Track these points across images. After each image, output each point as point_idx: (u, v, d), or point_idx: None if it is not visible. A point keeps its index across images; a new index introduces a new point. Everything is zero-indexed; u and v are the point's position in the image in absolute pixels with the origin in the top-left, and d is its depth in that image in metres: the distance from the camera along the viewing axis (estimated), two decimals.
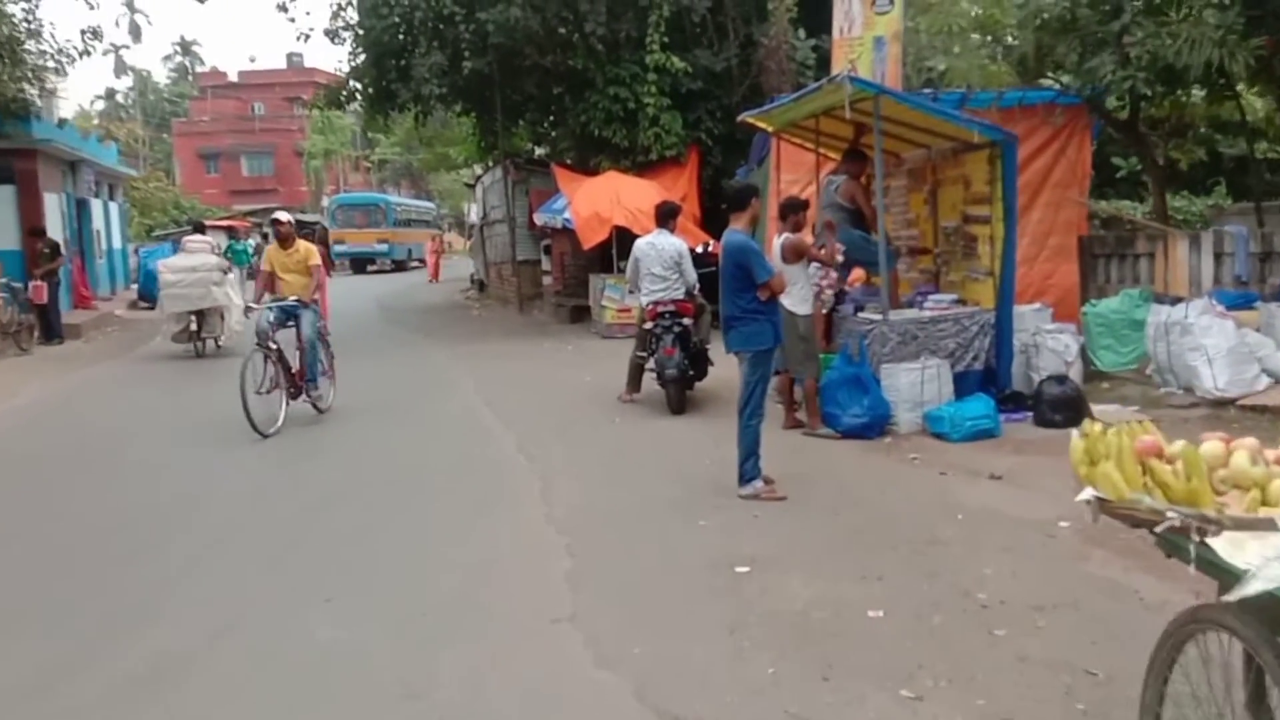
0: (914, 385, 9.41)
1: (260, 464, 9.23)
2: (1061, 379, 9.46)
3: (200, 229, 20.54)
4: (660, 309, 10.45)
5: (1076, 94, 12.05)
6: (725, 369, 11.15)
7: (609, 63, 19.33)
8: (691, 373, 10.57)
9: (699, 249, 12.13)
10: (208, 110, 75.69)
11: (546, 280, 22.97)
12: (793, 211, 9.41)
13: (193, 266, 16.81)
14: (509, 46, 19.54)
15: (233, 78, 79.32)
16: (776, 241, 9.45)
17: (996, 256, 9.99)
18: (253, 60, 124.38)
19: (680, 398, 10.38)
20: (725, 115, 19.97)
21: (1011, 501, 7.15)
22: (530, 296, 23.28)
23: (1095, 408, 9.49)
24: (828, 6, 21.24)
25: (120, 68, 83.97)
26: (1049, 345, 10.15)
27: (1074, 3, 10.78)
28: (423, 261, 45.40)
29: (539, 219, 20.16)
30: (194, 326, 16.73)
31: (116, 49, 76.32)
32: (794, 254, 9.18)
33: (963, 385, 9.66)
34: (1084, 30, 10.86)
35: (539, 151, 25.14)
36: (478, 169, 31.60)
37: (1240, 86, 11.99)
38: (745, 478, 7.30)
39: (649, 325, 10.53)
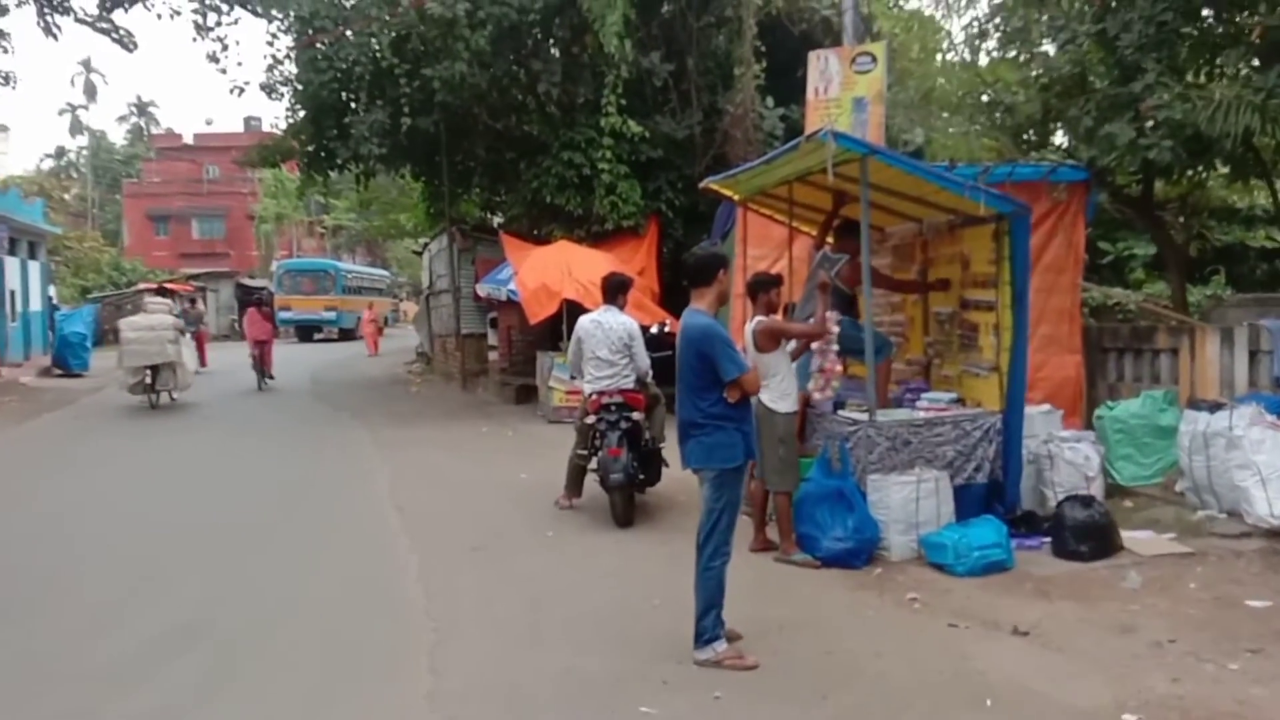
0: (908, 502, 7.80)
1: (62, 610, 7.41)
2: (1087, 500, 7.86)
3: (162, 292, 23.46)
4: (605, 400, 8.81)
5: (1084, 166, 10.63)
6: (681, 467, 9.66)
7: (563, 126, 17.87)
8: (641, 477, 8.90)
9: (655, 328, 10.53)
10: (161, 172, 73.93)
11: (493, 355, 21.29)
12: (763, 290, 7.83)
13: (151, 325, 17.95)
14: (456, 106, 18.09)
15: (188, 140, 77.71)
16: (748, 327, 7.88)
17: (1004, 349, 8.45)
18: (209, 123, 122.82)
19: (628, 508, 8.70)
20: (687, 186, 18.58)
21: (1050, 674, 5.49)
22: (474, 373, 21.59)
23: (1125, 534, 7.94)
24: (796, 74, 20.12)
25: (76, 127, 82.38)
26: (1066, 456, 8.58)
27: (1088, 60, 9.36)
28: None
29: (481, 290, 18.54)
30: (149, 380, 17.91)
31: (73, 108, 74.62)
32: (770, 340, 7.60)
33: (963, 502, 8.09)
34: (1099, 91, 9.44)
35: (490, 219, 23.60)
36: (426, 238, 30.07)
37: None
38: (703, 637, 5.60)
39: (591, 419, 8.87)
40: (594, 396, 8.86)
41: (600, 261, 16.46)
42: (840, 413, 8.52)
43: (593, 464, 9.18)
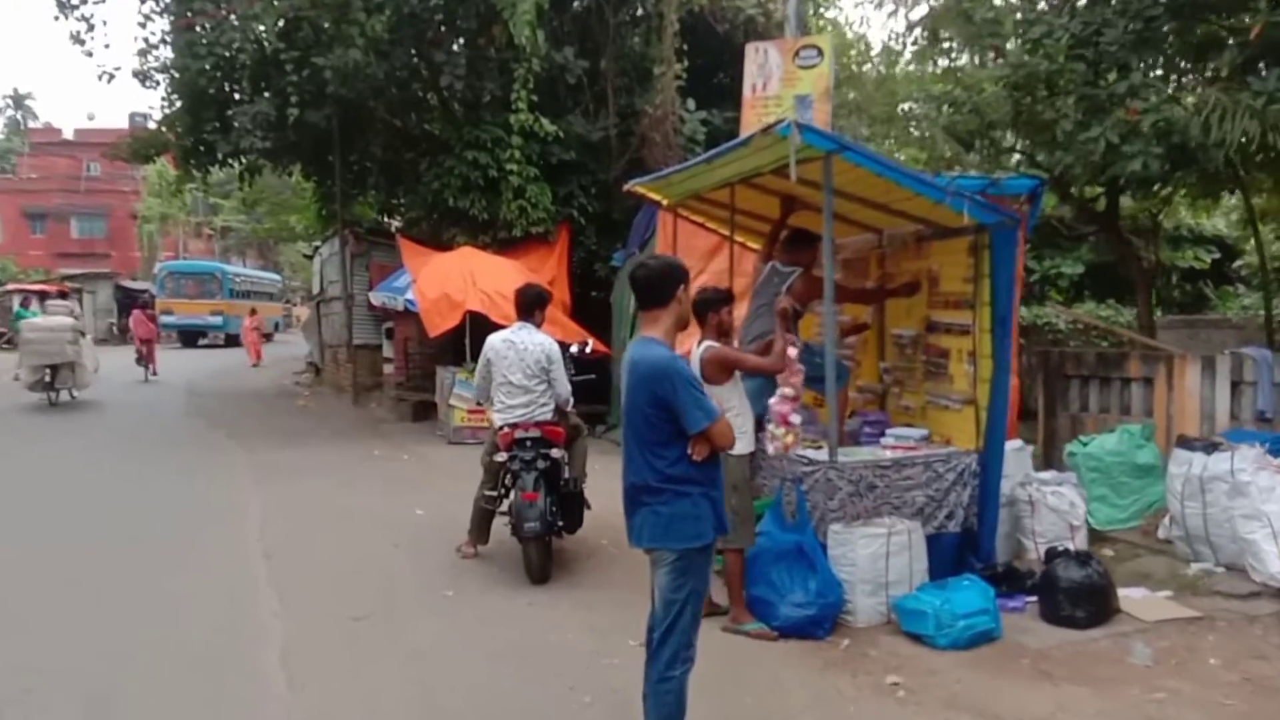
0: (877, 559, 6.67)
1: None
2: (1083, 558, 6.77)
3: (63, 295, 25.54)
4: (519, 434, 7.48)
5: (1047, 175, 9.63)
6: (606, 501, 8.38)
7: (468, 124, 16.48)
8: (561, 524, 7.60)
9: (575, 348, 9.21)
10: (38, 167, 70.23)
11: (388, 368, 19.74)
12: (711, 308, 6.60)
13: (51, 326, 18.72)
14: (350, 99, 16.56)
15: (68, 135, 74.04)
16: (694, 353, 6.65)
17: (982, 380, 7.37)
18: (91, 118, 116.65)
19: (544, 561, 7.38)
20: (601, 191, 17.43)
21: None
22: (367, 387, 20.01)
23: (1119, 593, 6.89)
24: (717, 78, 19.15)
25: None
26: (1049, 502, 7.52)
27: (1066, 59, 8.34)
28: (265, 336, 41.54)
29: (376, 298, 17.00)
30: (48, 378, 18.48)
31: None
32: (721, 371, 6.40)
33: (933, 555, 7.02)
34: (1077, 92, 8.41)
35: (387, 223, 22.02)
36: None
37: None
38: None
39: (502, 456, 7.53)
40: (505, 429, 7.53)
41: (508, 270, 15.17)
42: (794, 450, 7.32)
43: (502, 506, 7.86)
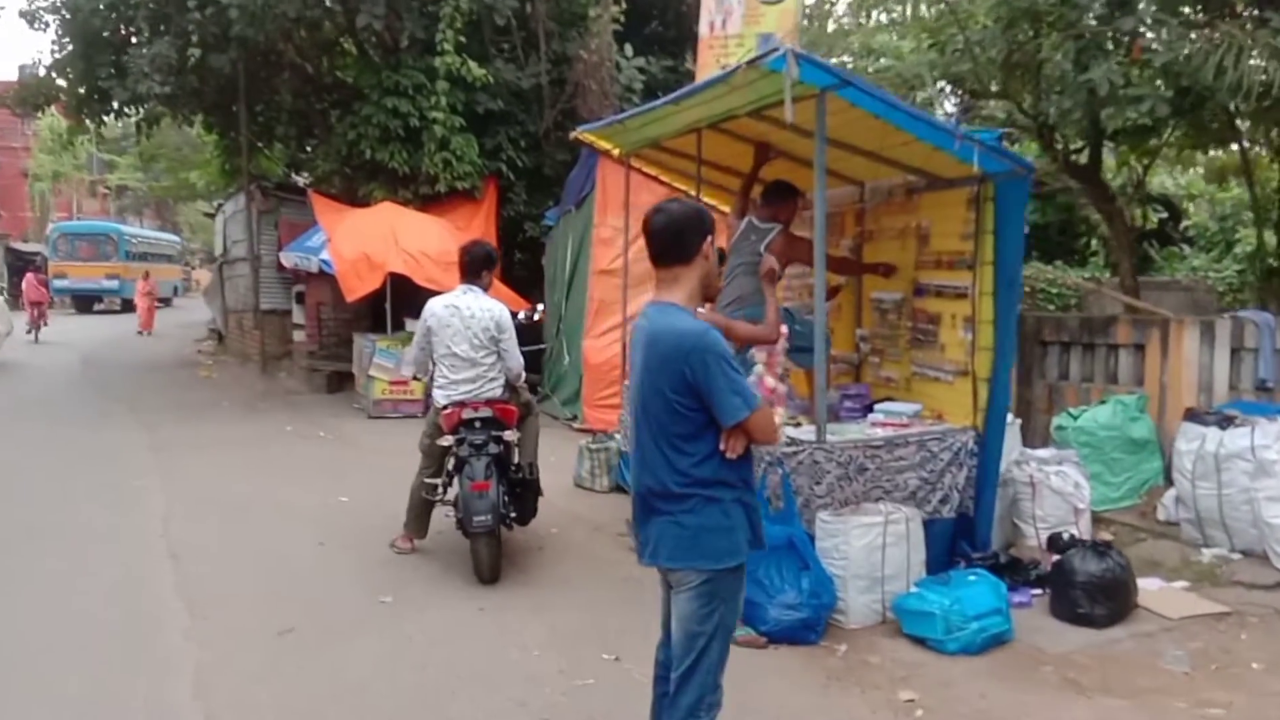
0: (872, 551, 5.92)
1: None
2: (1102, 548, 6.05)
3: None
4: (468, 414, 6.54)
5: (998, 131, 8.85)
6: (549, 482, 7.58)
7: (388, 69, 15.28)
8: (513, 515, 6.68)
9: (523, 316, 8.30)
10: None
11: (299, 335, 18.48)
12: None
13: None
14: (258, 42, 15.24)
15: None
16: None
17: (982, 348, 6.61)
18: None
19: (495, 558, 6.46)
20: (531, 144, 16.40)
21: None
22: (276, 356, 18.72)
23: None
24: (655, 24, 18.13)
25: None
26: (1052, 484, 6.80)
27: None
28: (164, 301, 39.64)
29: (287, 259, 15.78)
30: None
31: None
32: None
33: (926, 544, 6.23)
34: (1078, 29, 7.64)
35: (297, 178, 20.65)
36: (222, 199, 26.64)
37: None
38: None
39: (448, 440, 6.57)
40: (450, 408, 6.57)
41: (432, 228, 14.18)
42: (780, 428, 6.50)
43: (443, 493, 6.93)
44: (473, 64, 14.54)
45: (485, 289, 6.89)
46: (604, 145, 9.18)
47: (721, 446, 3.27)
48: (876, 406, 6.89)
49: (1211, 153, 11.71)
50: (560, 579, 6.65)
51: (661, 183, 9.81)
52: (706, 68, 10.94)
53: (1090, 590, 5.85)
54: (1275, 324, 7.89)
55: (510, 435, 6.60)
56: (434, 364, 6.98)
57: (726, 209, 8.41)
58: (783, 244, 6.89)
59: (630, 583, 6.53)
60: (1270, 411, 7.18)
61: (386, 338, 14.04)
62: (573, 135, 9.36)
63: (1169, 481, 7.98)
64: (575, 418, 12.78)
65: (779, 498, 6.09)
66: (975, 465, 6.61)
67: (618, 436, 9.44)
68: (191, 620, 5.88)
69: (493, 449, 6.34)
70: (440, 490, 6.85)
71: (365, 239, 13.55)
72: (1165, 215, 17.15)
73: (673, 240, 3.39)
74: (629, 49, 16.08)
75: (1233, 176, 14.15)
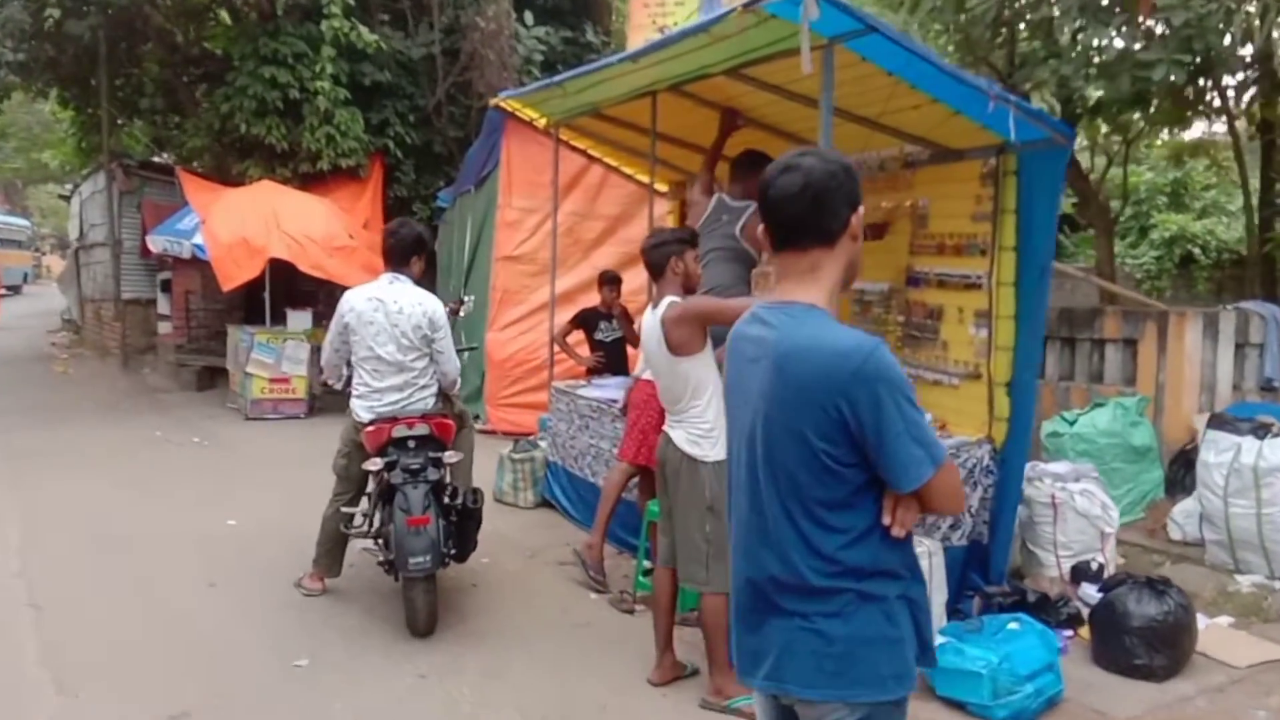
0: None
1: None
2: (1160, 585, 5.17)
3: None
4: (399, 432, 5.33)
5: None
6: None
7: (265, 35, 13.77)
8: (452, 552, 5.49)
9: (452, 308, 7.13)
10: None
11: (164, 327, 16.78)
12: (674, 252, 4.78)
13: None
14: (121, 6, 13.60)
15: None
16: (649, 315, 4.75)
17: (1000, 348, 5.72)
18: None
19: (432, 607, 5.25)
20: (421, 120, 15.07)
21: None
22: (140, 350, 16.99)
23: None
24: None
25: None
26: (1076, 505, 5.92)
27: None
28: (12, 289, 36.79)
29: (155, 243, 14.11)
30: None
31: None
32: (694, 332, 4.59)
33: None
34: None
35: (162, 156, 18.85)
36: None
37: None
38: None
39: (376, 464, 5.37)
40: (375, 424, 5.36)
41: (318, 210, 12.84)
42: None
43: (361, 527, 5.72)
44: (363, 29, 13.15)
45: (415, 279, 5.70)
46: (529, 114, 8.04)
47: (886, 519, 2.20)
48: None
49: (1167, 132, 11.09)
50: (508, 628, 5.52)
51: (591, 157, 8.74)
52: (641, 27, 9.92)
53: (1148, 637, 4.98)
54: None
55: (451, 457, 5.43)
56: (350, 368, 5.78)
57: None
58: (757, 225, 5.87)
59: (589, 631, 5.51)
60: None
61: (266, 330, 12.62)
62: (493, 102, 8.28)
63: (1169, 494, 7.25)
64: (478, 417, 11.60)
65: None
66: (992, 485, 5.72)
67: (542, 444, 8.35)
68: (60, 699, 4.58)
69: (431, 474, 5.16)
70: (362, 522, 5.65)
71: (244, 221, 12.10)
72: (1076, 200, 16.66)
73: (811, 209, 2.27)
74: (529, 16, 14.87)
75: (1189, 157, 13.65)
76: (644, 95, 6.61)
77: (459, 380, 5.87)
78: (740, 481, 2.33)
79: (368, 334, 5.43)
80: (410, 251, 5.62)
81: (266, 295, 12.75)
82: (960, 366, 5.97)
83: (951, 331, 6.05)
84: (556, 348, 8.66)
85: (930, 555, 5.08)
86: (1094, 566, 5.78)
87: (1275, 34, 6.30)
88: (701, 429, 4.58)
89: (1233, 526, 6.08)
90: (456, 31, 14.85)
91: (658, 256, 4.81)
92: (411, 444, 5.26)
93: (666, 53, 5.71)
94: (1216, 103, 8.03)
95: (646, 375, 6.22)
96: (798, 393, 2.14)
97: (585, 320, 8.59)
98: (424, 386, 5.56)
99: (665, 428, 4.79)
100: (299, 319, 12.79)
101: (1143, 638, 4.97)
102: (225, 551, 6.78)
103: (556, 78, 6.98)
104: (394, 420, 5.28)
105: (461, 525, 5.38)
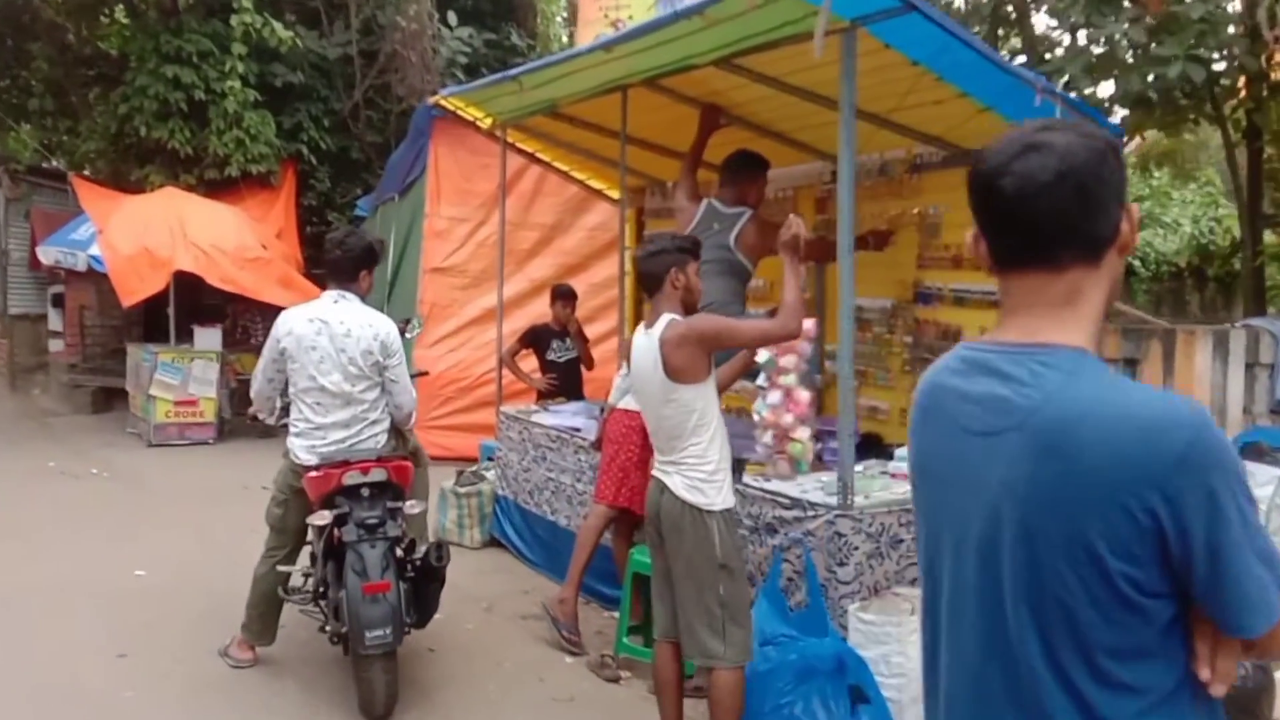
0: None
1: None
2: None
3: None
4: (351, 480, 4.51)
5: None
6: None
7: (167, 32, 12.74)
8: (412, 619, 4.65)
9: (406, 328, 6.29)
10: None
11: (56, 345, 15.55)
12: (673, 265, 4.08)
13: None
14: (6, 2, 12.50)
15: None
16: (645, 337, 4.00)
17: None
18: None
19: (393, 686, 4.41)
20: (336, 124, 14.18)
21: None
22: (28, 369, 15.74)
23: None
24: None
25: None
26: None
27: None
28: None
29: (46, 255, 12.91)
30: None
31: None
32: (698, 354, 3.91)
33: None
34: None
35: (53, 161, 17.56)
36: None
37: None
38: None
39: (324, 517, 4.48)
40: (320, 470, 4.53)
41: (228, 219, 11.90)
42: (772, 490, 4.76)
43: (302, 583, 4.89)
44: (277, 25, 12.22)
45: (363, 296, 4.88)
46: (472, 114, 7.26)
47: (1203, 673, 1.48)
48: (898, 452, 5.25)
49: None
50: (479, 704, 4.74)
51: (541, 162, 8.00)
52: (589, 22, 9.20)
53: (1226, 706, 4.36)
54: None
55: (413, 508, 4.63)
56: (283, 400, 4.96)
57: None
58: (755, 234, 5.22)
59: (575, 710, 4.73)
60: None
61: (170, 349, 11.59)
62: (433, 100, 7.46)
63: None
64: None
65: (802, 586, 4.41)
66: None
67: (489, 475, 7.57)
68: None
69: (390, 530, 4.35)
70: (303, 583, 4.81)
71: (147, 231, 11.10)
72: None
73: (1074, 207, 1.54)
74: (453, 16, 14.07)
75: (1155, 166, 13.35)
76: (613, 90, 5.87)
77: (414, 413, 5.06)
78: (962, 612, 1.60)
79: (309, 361, 4.60)
80: (359, 265, 4.80)
81: (171, 311, 11.73)
82: None
83: None
84: (505, 369, 7.86)
85: None
86: None
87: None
88: (704, 471, 3.87)
89: None
90: (374, 32, 14.00)
91: (655, 267, 4.09)
92: (365, 492, 4.43)
93: (647, 40, 5.00)
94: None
95: (623, 404, 5.52)
96: (1083, 487, 1.41)
97: (536, 338, 7.83)
98: (374, 422, 4.75)
99: (656, 473, 4.06)
100: (207, 336, 11.78)
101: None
102: (134, 609, 5.86)
103: (511, 71, 6.22)
104: (344, 464, 4.45)
105: (423, 587, 4.58)
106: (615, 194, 8.26)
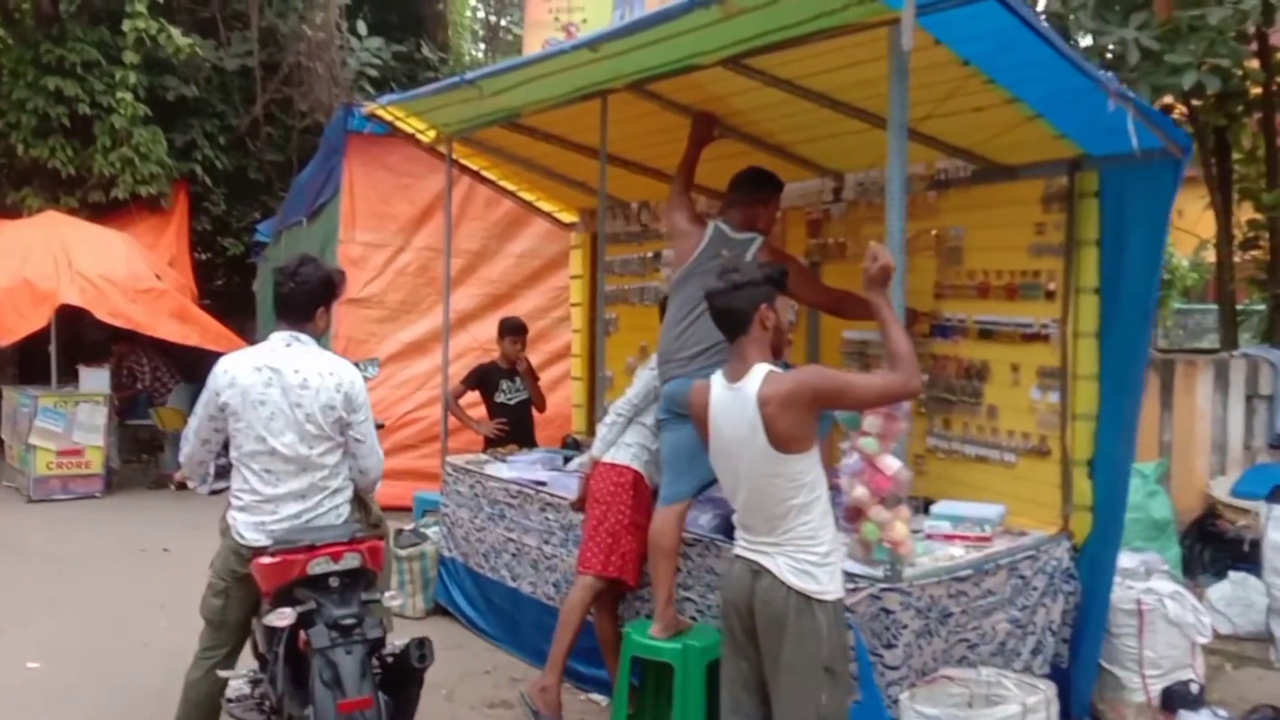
0: None
1: None
2: None
3: None
4: (317, 568, 3.61)
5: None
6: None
7: (48, 41, 11.62)
8: None
9: (363, 369, 5.39)
10: None
11: None
12: (764, 299, 3.38)
13: None
14: None
15: None
16: (730, 393, 3.31)
17: (1079, 416, 4.54)
18: None
19: None
20: (234, 142, 13.17)
21: None
22: None
23: None
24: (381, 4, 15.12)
25: None
26: (1169, 614, 4.75)
27: None
28: None
29: None
30: None
31: None
32: (806, 417, 3.21)
33: None
34: None
35: None
36: None
37: None
38: None
39: (283, 620, 3.52)
40: (274, 556, 3.66)
41: (118, 247, 10.90)
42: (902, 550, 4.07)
43: (248, 692, 4.02)
44: (174, 31, 11.19)
45: (318, 334, 4.03)
46: (412, 125, 6.45)
47: None
48: (933, 508, 4.60)
49: None
50: None
51: (485, 180, 7.23)
52: (538, 25, 8.46)
53: None
54: None
55: (392, 600, 3.81)
56: (217, 463, 4.10)
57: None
58: (768, 258, 4.51)
59: None
60: None
61: (52, 393, 10.42)
62: (367, 110, 6.60)
63: (1187, 574, 6.27)
64: None
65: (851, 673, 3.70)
66: (1074, 593, 4.52)
67: (431, 534, 6.74)
68: None
69: (370, 630, 3.50)
70: (249, 693, 3.94)
71: (26, 261, 10.01)
72: None
73: None
74: (363, 26, 13.21)
75: None
76: (592, 96, 5.14)
77: (380, 478, 4.22)
78: None
79: (257, 419, 3.75)
80: (315, 300, 3.93)
81: (53, 349, 10.59)
82: (1017, 440, 4.75)
83: (1001, 395, 4.81)
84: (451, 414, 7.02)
85: (1048, 703, 3.77)
86: (1193, 689, 4.62)
87: None
88: (816, 553, 3.17)
89: None
90: (275, 42, 13.06)
91: (742, 303, 3.32)
92: (334, 583, 3.59)
93: (646, 36, 4.27)
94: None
95: (609, 457, 4.77)
96: None
97: (483, 378, 7.04)
98: (335, 491, 3.91)
99: (746, 553, 3.31)
100: (94, 378, 10.59)
101: None
102: (29, 714, 4.89)
103: (469, 75, 5.41)
104: (310, 549, 3.60)
105: (403, 693, 3.74)
106: (566, 217, 7.54)
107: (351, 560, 3.60)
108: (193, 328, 10.60)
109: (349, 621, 3.46)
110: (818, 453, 3.24)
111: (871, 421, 3.43)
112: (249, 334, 12.31)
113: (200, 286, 12.96)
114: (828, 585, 3.18)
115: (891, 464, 3.43)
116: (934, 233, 5.05)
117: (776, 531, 3.20)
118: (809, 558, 3.16)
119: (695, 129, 5.06)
